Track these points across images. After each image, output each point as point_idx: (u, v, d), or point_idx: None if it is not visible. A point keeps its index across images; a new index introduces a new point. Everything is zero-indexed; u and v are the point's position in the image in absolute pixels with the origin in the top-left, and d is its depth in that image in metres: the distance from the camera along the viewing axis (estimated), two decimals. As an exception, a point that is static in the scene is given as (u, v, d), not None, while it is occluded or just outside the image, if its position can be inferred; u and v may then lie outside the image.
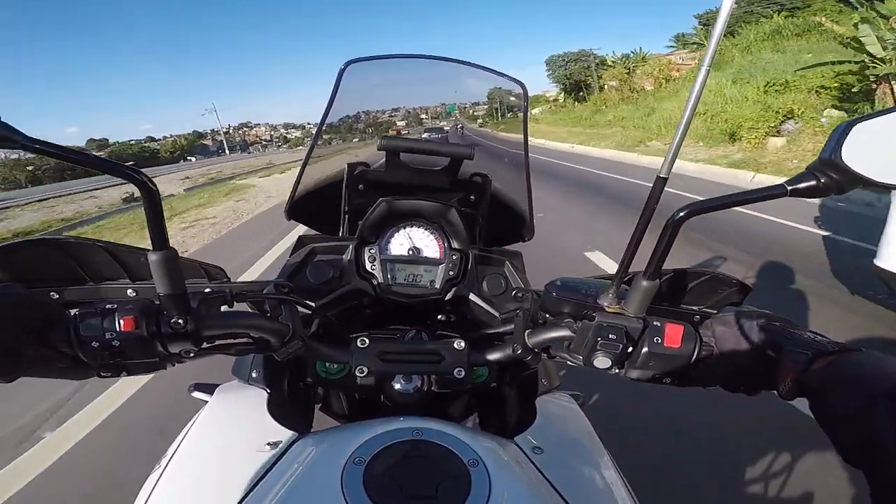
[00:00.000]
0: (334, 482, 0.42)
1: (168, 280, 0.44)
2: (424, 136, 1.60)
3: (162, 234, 0.42)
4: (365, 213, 0.78)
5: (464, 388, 0.75)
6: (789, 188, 0.39)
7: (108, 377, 0.48)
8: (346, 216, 0.86)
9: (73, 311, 0.45)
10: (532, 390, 0.70)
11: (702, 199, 0.42)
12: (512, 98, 1.07)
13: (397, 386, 0.69)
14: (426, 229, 0.80)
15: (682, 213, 0.41)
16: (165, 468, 0.54)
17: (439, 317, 0.82)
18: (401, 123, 1.61)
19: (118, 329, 0.44)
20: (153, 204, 0.40)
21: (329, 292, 0.73)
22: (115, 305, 0.45)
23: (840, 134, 0.38)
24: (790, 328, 0.49)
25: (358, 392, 0.78)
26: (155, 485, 0.52)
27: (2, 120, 0.35)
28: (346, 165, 0.84)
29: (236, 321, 0.53)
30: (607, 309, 0.48)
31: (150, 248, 0.43)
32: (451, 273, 0.77)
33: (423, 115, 1.80)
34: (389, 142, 0.80)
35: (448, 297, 0.77)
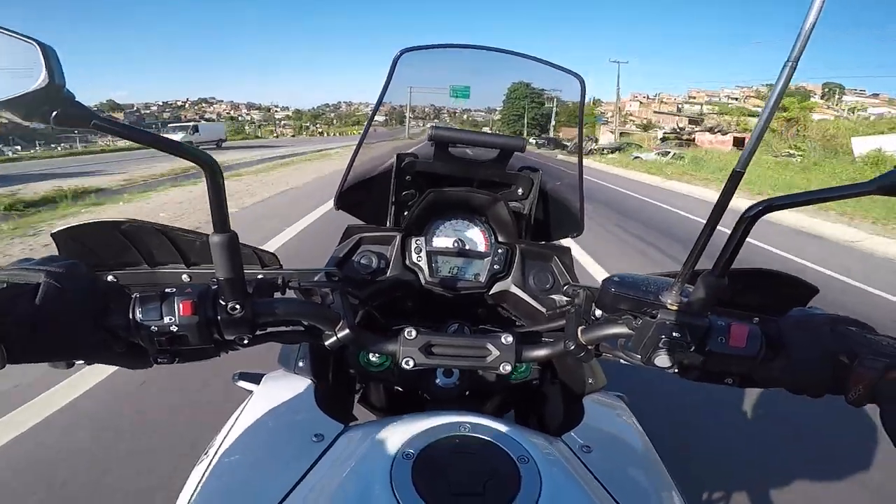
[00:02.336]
0: (383, 476, 0.41)
1: (228, 264, 0.43)
2: None
3: (224, 216, 0.41)
4: (412, 204, 0.77)
5: (505, 385, 0.75)
6: (877, 185, 0.36)
7: (164, 364, 0.47)
8: (394, 207, 0.85)
9: (133, 295, 0.45)
10: (579, 389, 0.69)
11: (781, 194, 0.39)
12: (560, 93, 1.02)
13: (438, 380, 0.69)
14: (472, 222, 0.80)
15: (758, 209, 0.38)
16: (214, 457, 0.53)
17: (480, 311, 0.81)
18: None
19: (177, 314, 0.43)
20: (216, 185, 0.39)
21: (374, 282, 0.73)
22: (174, 290, 0.45)
23: None
24: (866, 332, 0.46)
25: (398, 385, 0.78)
26: (204, 474, 0.51)
27: (75, 99, 0.35)
28: (395, 156, 0.83)
29: (290, 308, 0.52)
30: (670, 306, 0.46)
31: (204, 232, 0.43)
32: (497, 267, 0.77)
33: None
34: (439, 132, 0.79)
35: (492, 291, 0.77)
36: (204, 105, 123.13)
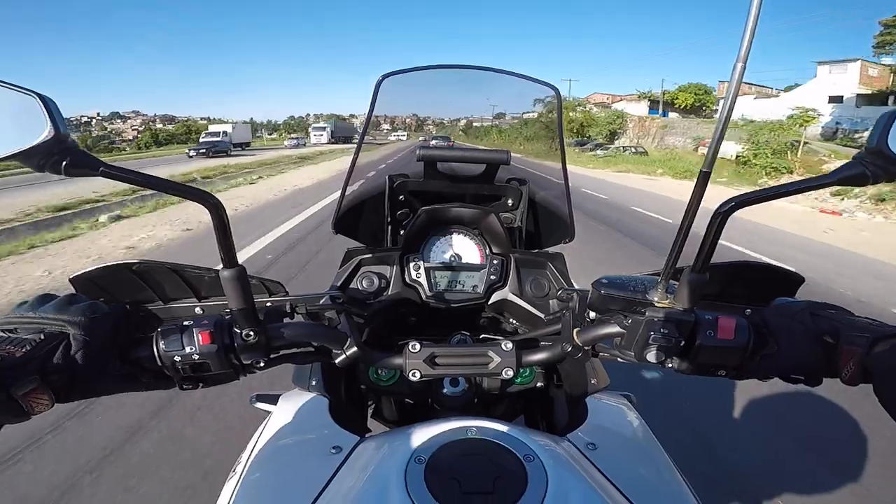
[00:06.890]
0: (399, 480, 0.44)
1: (239, 295, 0.46)
2: (433, 142, 1.61)
3: (232, 252, 0.44)
4: (407, 223, 0.79)
5: (511, 390, 0.77)
6: (836, 178, 0.38)
7: (189, 389, 0.50)
8: (390, 227, 0.88)
9: (156, 329, 0.48)
10: (582, 390, 0.70)
11: (749, 190, 0.41)
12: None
13: (445, 390, 0.71)
14: (466, 236, 0.82)
15: (730, 205, 0.40)
16: (242, 475, 0.56)
17: (482, 321, 0.84)
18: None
19: (197, 344, 0.46)
20: (222, 224, 0.42)
21: (378, 301, 0.76)
22: (192, 322, 0.48)
23: (885, 122, 0.37)
24: (844, 314, 0.48)
25: (407, 397, 0.80)
26: (233, 492, 0.54)
27: (81, 149, 0.37)
28: (387, 177, 0.86)
29: (300, 331, 0.55)
30: (657, 304, 0.48)
31: (211, 268, 0.47)
32: (493, 277, 0.79)
33: (430, 124, 1.74)
34: (426, 152, 0.82)
35: (491, 300, 0.79)
36: (117, 120, 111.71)
